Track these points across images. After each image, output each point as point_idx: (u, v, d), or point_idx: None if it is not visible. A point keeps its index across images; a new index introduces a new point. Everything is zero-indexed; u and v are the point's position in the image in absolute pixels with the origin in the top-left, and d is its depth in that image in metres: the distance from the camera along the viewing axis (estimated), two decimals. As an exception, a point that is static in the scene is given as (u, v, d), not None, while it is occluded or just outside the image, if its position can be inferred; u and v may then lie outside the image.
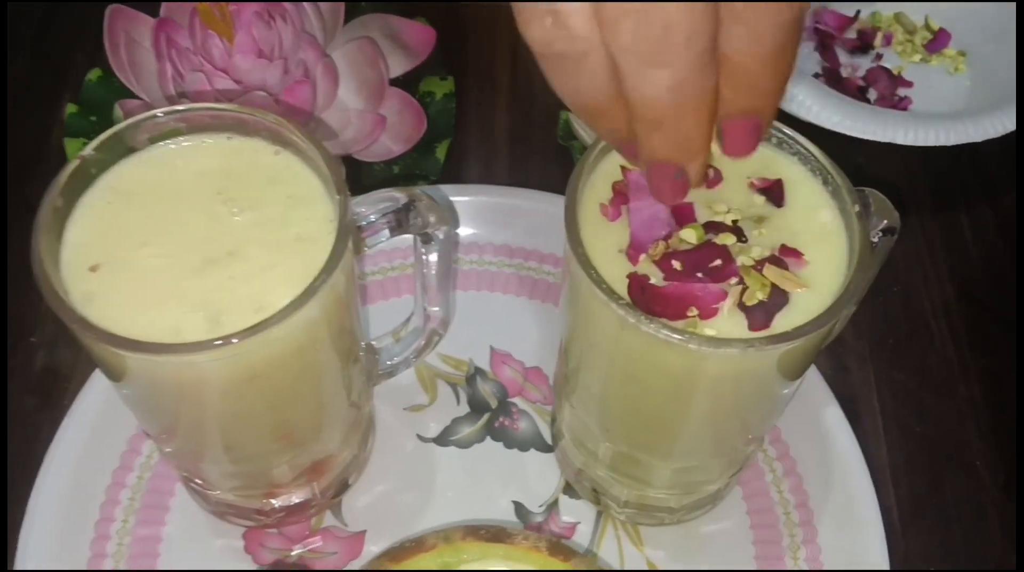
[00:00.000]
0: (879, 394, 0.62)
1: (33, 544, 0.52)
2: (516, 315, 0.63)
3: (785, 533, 0.55)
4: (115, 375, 0.41)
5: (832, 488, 0.56)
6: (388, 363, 0.53)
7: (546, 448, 0.58)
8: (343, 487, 0.54)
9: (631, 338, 0.40)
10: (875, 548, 0.53)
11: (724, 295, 0.40)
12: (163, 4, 0.66)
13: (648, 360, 0.40)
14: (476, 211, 0.64)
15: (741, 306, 0.40)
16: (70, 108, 0.70)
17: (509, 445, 0.58)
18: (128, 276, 0.40)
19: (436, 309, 0.52)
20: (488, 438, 0.58)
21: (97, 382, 0.57)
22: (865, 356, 0.64)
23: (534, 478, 0.57)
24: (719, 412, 0.43)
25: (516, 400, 0.60)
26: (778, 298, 0.40)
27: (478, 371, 0.60)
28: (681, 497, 0.52)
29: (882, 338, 0.65)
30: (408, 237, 0.47)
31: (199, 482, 0.50)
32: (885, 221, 0.43)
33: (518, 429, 0.59)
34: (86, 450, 0.55)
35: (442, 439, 0.58)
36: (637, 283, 0.40)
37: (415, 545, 0.44)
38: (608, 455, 0.50)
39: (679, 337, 0.37)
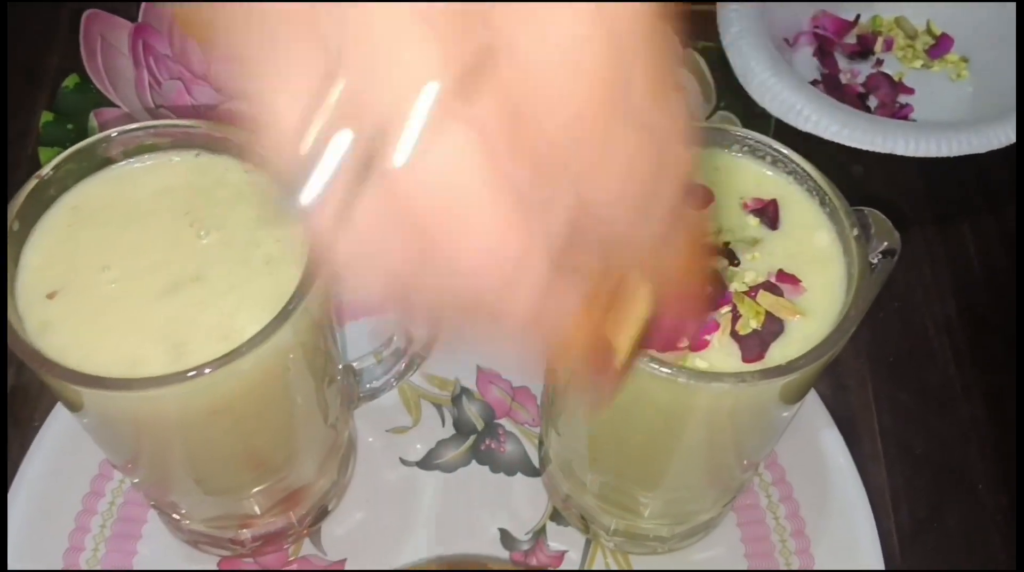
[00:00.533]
0: (878, 414, 0.60)
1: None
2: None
3: (781, 561, 0.53)
4: (73, 408, 0.39)
5: (829, 514, 0.54)
6: (368, 386, 0.51)
7: (533, 472, 0.56)
8: (322, 514, 0.52)
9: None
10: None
11: (716, 326, 0.38)
12: (141, 7, 0.64)
13: (636, 393, 0.38)
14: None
15: (734, 335, 0.38)
16: (45, 116, 0.68)
17: (495, 469, 0.56)
18: (87, 303, 0.38)
19: (420, 330, 0.50)
20: (474, 461, 0.56)
21: (56, 422, 0.55)
22: (864, 375, 0.62)
23: (521, 504, 0.55)
24: (711, 445, 0.41)
25: (503, 421, 0.57)
26: (773, 327, 0.38)
27: (464, 391, 0.58)
28: (673, 527, 0.50)
29: (881, 356, 0.63)
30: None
31: (170, 513, 0.48)
32: (885, 243, 0.41)
33: (504, 452, 0.56)
34: (55, 474, 0.53)
35: (426, 463, 0.56)
36: (624, 311, 0.38)
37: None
38: (596, 485, 0.48)
39: (668, 371, 0.35)
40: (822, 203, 0.41)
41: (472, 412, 0.58)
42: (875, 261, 0.44)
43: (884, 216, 0.42)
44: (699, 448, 0.42)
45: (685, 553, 0.53)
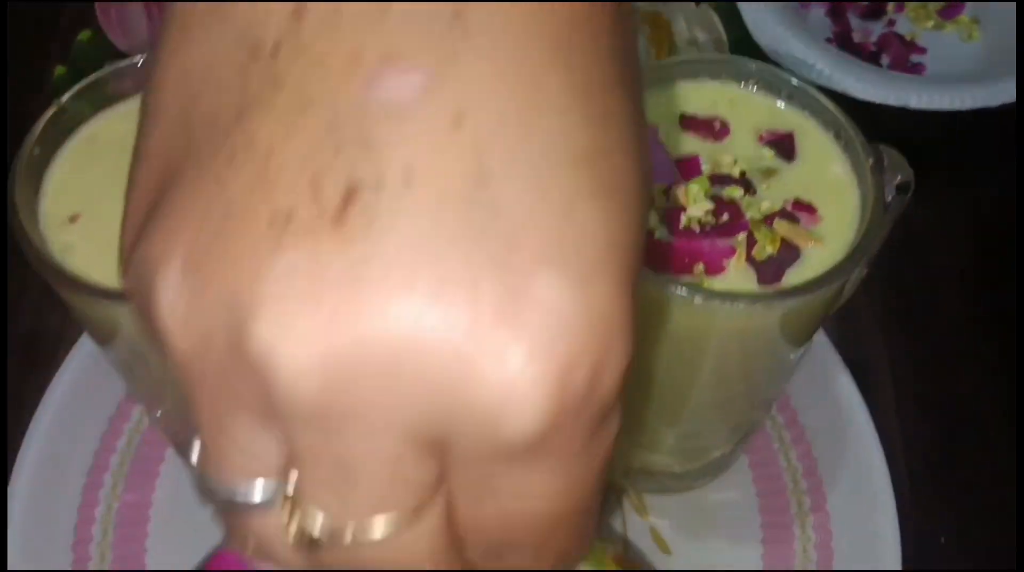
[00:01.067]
0: (892, 362, 0.61)
1: (19, 508, 0.50)
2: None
3: (793, 501, 0.54)
4: (98, 333, 0.39)
5: (842, 455, 0.54)
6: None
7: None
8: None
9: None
10: (885, 514, 0.52)
11: (732, 251, 0.38)
12: (154, -41, 0.64)
13: (651, 318, 0.39)
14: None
15: (750, 261, 0.38)
16: (59, 70, 0.68)
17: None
18: (108, 227, 0.38)
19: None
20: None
21: (86, 346, 0.55)
22: (878, 323, 0.62)
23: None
24: (725, 374, 0.42)
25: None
26: (789, 253, 0.38)
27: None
28: (685, 463, 0.50)
29: (896, 305, 0.63)
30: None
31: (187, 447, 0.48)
32: (899, 176, 0.42)
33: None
34: (74, 414, 0.54)
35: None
36: (641, 236, 0.38)
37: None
38: (610, 420, 0.48)
39: (685, 291, 0.36)
40: (837, 135, 0.41)
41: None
42: (889, 198, 0.44)
43: (897, 151, 0.42)
44: (712, 379, 0.42)
45: (699, 493, 0.54)
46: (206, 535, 0.38)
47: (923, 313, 0.63)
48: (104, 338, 0.40)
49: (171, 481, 0.53)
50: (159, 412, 0.46)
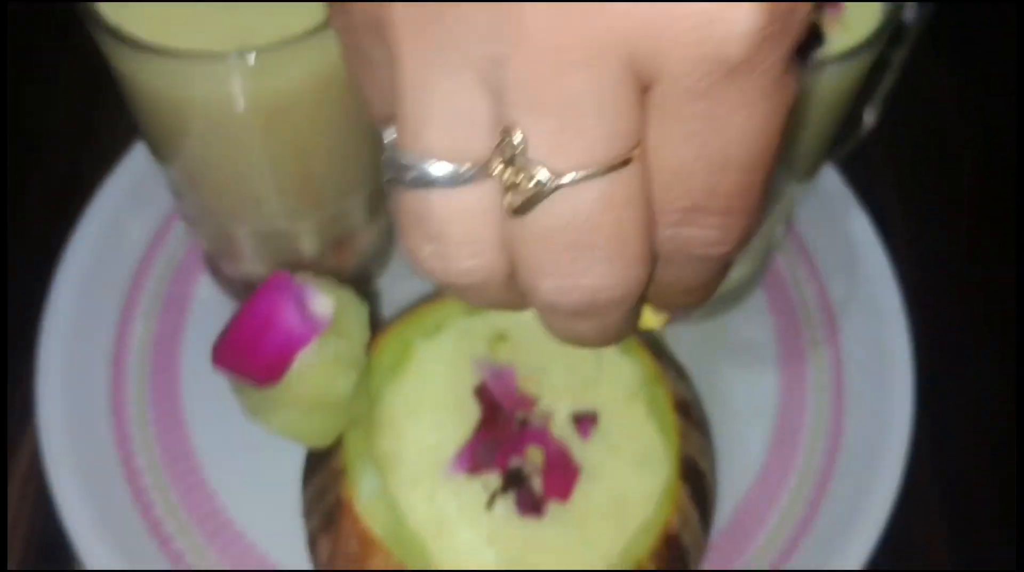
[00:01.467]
0: (905, 216, 0.62)
1: (54, 334, 0.52)
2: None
3: (807, 332, 0.55)
4: (147, 107, 0.41)
5: (856, 288, 0.56)
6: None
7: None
8: (367, 278, 0.54)
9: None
10: (898, 338, 0.53)
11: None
12: None
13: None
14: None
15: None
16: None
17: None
18: (159, 5, 0.40)
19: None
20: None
21: (121, 176, 0.57)
22: (891, 180, 0.63)
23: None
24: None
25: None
26: (814, 37, 0.40)
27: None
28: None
29: (909, 164, 0.64)
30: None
31: (227, 257, 0.50)
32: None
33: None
34: (108, 241, 0.55)
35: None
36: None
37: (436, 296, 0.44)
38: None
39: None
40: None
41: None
42: (910, 18, 0.46)
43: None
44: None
45: (716, 324, 0.55)
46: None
47: (934, 170, 0.64)
48: (150, 111, 0.41)
49: (204, 308, 0.55)
50: (200, 209, 0.47)
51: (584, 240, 0.23)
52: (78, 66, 0.66)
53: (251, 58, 0.37)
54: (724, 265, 0.26)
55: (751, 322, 0.56)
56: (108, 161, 0.60)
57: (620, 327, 0.27)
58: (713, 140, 0.22)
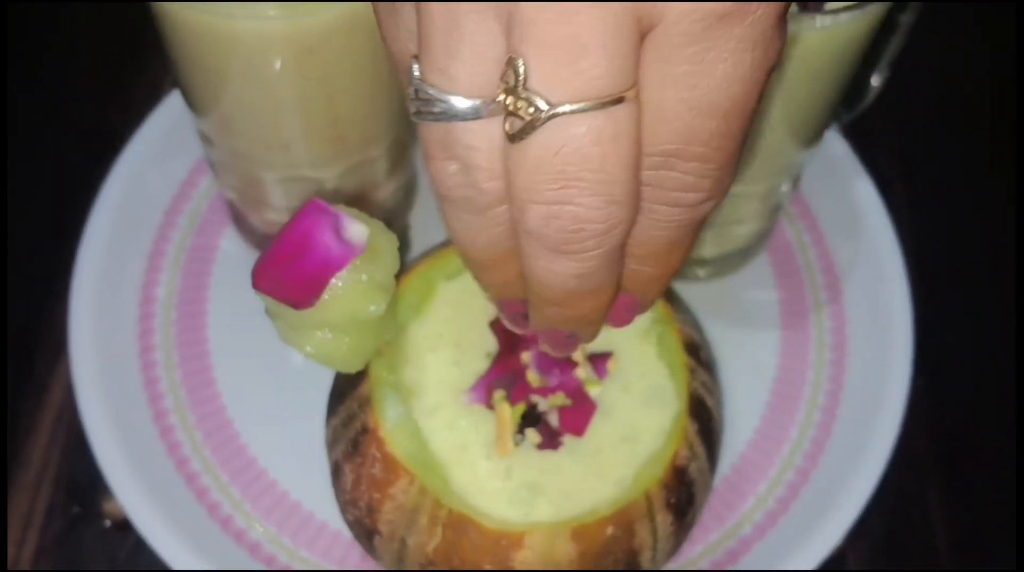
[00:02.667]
0: (907, 181, 0.64)
1: (84, 283, 0.54)
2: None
3: (810, 293, 0.57)
4: (185, 46, 0.42)
5: (859, 251, 0.58)
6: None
7: (581, 214, 0.60)
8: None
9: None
10: (899, 303, 0.55)
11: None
12: None
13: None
14: None
15: (790, -7, 0.41)
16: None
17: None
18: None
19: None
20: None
21: (148, 130, 0.59)
22: (894, 145, 0.65)
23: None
24: (764, 110, 0.45)
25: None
26: (825, -11, 0.41)
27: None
28: (714, 240, 0.54)
29: (912, 129, 0.66)
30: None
31: (253, 207, 0.52)
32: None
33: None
34: (135, 193, 0.57)
35: (481, 202, 0.60)
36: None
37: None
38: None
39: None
40: None
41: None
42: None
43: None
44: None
45: (720, 284, 0.57)
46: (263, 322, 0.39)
47: (937, 135, 0.66)
48: (186, 53, 0.43)
49: (228, 259, 0.56)
50: (229, 152, 0.49)
51: (572, 170, 0.25)
52: (106, 21, 0.68)
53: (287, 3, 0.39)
54: (697, 223, 0.28)
55: (757, 284, 0.58)
56: (136, 114, 0.62)
57: (594, 307, 0.29)
58: (699, 84, 0.24)
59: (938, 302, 0.59)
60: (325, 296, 0.34)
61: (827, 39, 0.41)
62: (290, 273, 0.34)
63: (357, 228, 0.35)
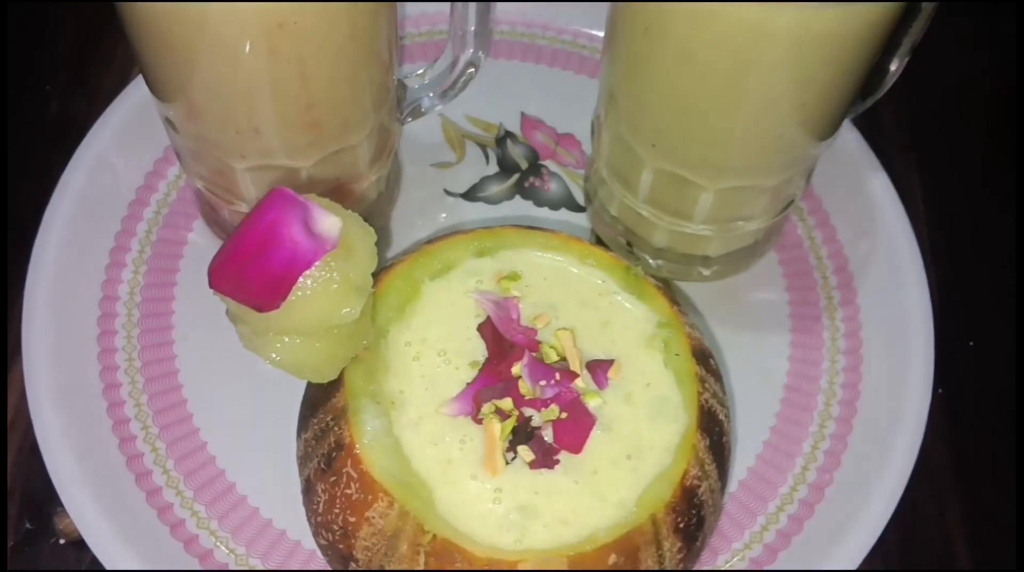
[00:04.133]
0: (922, 180, 0.60)
1: (41, 278, 0.50)
2: (548, 84, 0.60)
3: (823, 296, 0.53)
4: (153, 25, 0.38)
5: (873, 251, 0.54)
6: (418, 93, 0.51)
7: (577, 208, 0.56)
8: (367, 230, 0.52)
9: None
10: (917, 306, 0.51)
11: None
12: None
13: (709, 27, 0.38)
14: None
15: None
16: None
17: (539, 204, 0.56)
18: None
19: (471, 38, 0.49)
20: (517, 196, 0.56)
21: (112, 117, 0.55)
22: (906, 147, 0.62)
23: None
24: (773, 98, 0.41)
25: (547, 163, 0.57)
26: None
27: (508, 134, 0.58)
28: (719, 237, 0.50)
29: (923, 131, 0.63)
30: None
31: (223, 198, 0.48)
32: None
33: (548, 190, 0.56)
34: (96, 184, 0.53)
35: (470, 195, 0.56)
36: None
37: (454, 232, 0.42)
38: (648, 184, 0.47)
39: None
40: None
41: (516, 153, 0.57)
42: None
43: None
44: (758, 108, 0.41)
45: (727, 285, 0.54)
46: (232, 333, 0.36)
47: (948, 136, 0.63)
48: (153, 29, 0.39)
49: (198, 254, 0.52)
50: (198, 139, 0.45)
51: None
52: (70, 9, 0.64)
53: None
54: None
55: (765, 284, 0.54)
56: (102, 105, 0.58)
57: None
58: None
59: (959, 304, 0.56)
60: (292, 297, 0.30)
61: (848, 19, 0.37)
62: (253, 271, 0.30)
63: (329, 221, 0.31)
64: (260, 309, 0.30)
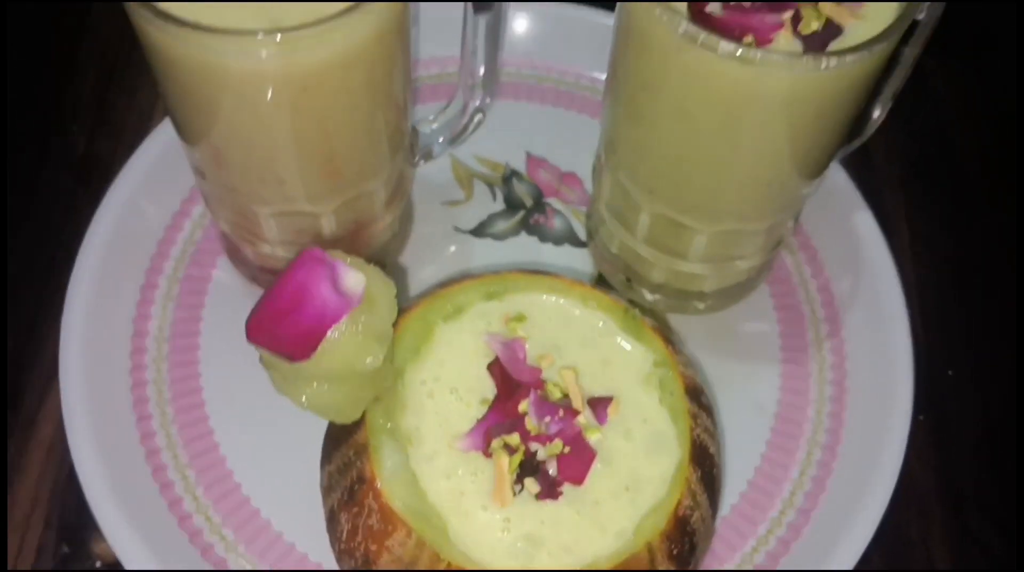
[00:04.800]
0: (909, 216, 0.63)
1: (75, 316, 0.52)
2: (552, 125, 0.63)
3: (811, 328, 0.56)
4: (179, 82, 0.42)
5: (859, 288, 0.57)
6: (430, 138, 0.54)
7: (579, 244, 0.59)
8: (381, 266, 0.55)
9: (687, 61, 0.40)
10: (900, 339, 0.54)
11: (780, 24, 0.41)
12: None
13: (701, 87, 0.41)
14: (519, 24, 0.65)
15: (796, 35, 0.40)
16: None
17: (544, 239, 0.59)
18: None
19: (479, 87, 0.52)
20: (523, 233, 0.59)
21: (140, 160, 0.58)
22: (897, 182, 0.65)
23: (567, 269, 0.58)
24: (763, 155, 0.44)
25: (551, 200, 0.60)
26: (832, 30, 0.41)
27: (514, 173, 0.61)
28: (714, 275, 0.53)
29: (914, 167, 0.66)
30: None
31: (247, 240, 0.51)
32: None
33: (552, 226, 0.60)
34: (127, 224, 0.56)
35: (479, 231, 0.59)
36: (698, 8, 0.41)
37: (464, 276, 0.45)
38: (647, 226, 0.51)
39: (739, 49, 0.38)
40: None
41: (521, 191, 0.61)
42: (922, 16, 0.47)
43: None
44: (751, 156, 0.44)
45: (720, 318, 0.57)
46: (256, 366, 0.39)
47: (938, 172, 0.66)
48: (184, 86, 0.42)
49: (223, 290, 0.55)
50: (224, 186, 0.48)
51: None
52: (94, 49, 0.67)
53: (279, 36, 0.38)
54: None
55: (756, 316, 0.57)
56: (126, 141, 0.61)
57: None
58: None
59: (940, 335, 0.59)
60: (321, 349, 0.34)
61: (834, 80, 0.41)
62: (286, 326, 0.33)
63: (354, 278, 0.34)
64: (292, 359, 0.34)
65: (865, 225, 0.58)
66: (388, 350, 0.35)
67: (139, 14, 0.39)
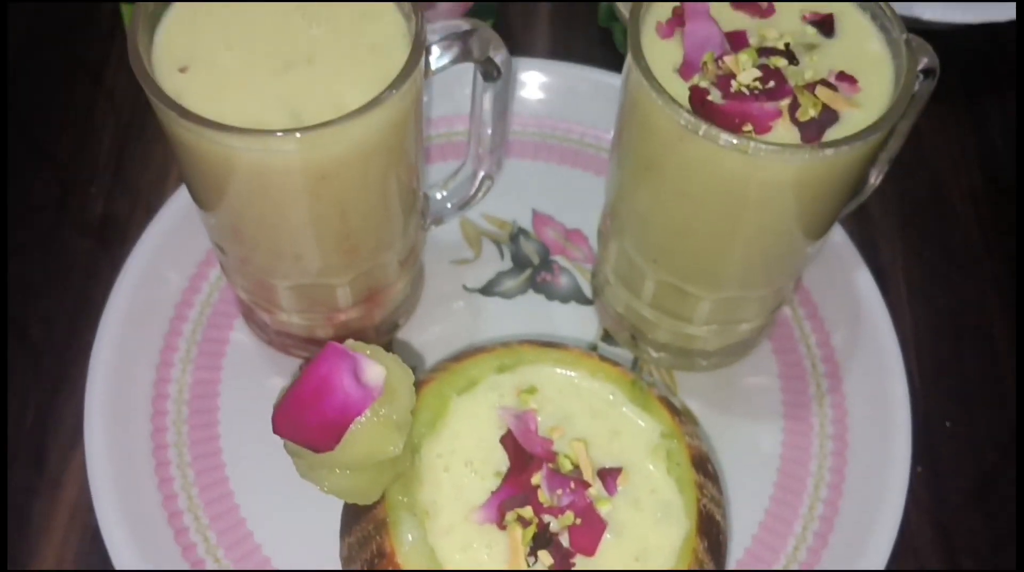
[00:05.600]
0: (906, 267, 0.65)
1: (97, 379, 0.54)
2: (558, 182, 0.65)
3: (812, 383, 0.58)
4: (198, 170, 0.43)
5: (858, 344, 0.59)
6: (440, 203, 0.56)
7: (586, 301, 0.61)
8: (393, 328, 0.57)
9: (688, 149, 0.42)
10: (898, 396, 0.56)
11: (779, 113, 0.42)
12: None
13: (703, 172, 0.43)
14: (524, 83, 0.67)
15: (794, 122, 0.42)
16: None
17: (551, 297, 0.61)
18: (215, 76, 0.42)
19: (488, 152, 0.54)
20: (530, 291, 0.61)
21: (159, 225, 0.59)
22: (893, 233, 0.66)
23: (574, 327, 0.60)
24: (765, 231, 0.46)
25: (557, 258, 0.62)
26: (829, 116, 0.42)
27: (521, 231, 0.63)
28: (717, 336, 0.54)
29: (910, 218, 0.67)
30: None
31: (263, 307, 0.52)
32: (925, 59, 0.46)
33: (559, 284, 0.61)
34: (151, 286, 0.58)
35: (487, 290, 0.61)
36: (698, 97, 0.42)
37: (476, 350, 0.47)
38: (651, 292, 0.52)
39: (739, 141, 0.40)
40: (873, 17, 0.45)
41: (529, 249, 0.62)
42: (917, 86, 0.49)
43: (923, 39, 0.47)
44: (752, 235, 0.46)
45: (724, 373, 0.58)
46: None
47: (934, 223, 0.67)
48: (203, 176, 0.43)
49: (241, 352, 0.57)
50: (242, 262, 0.49)
51: None
52: (111, 109, 0.69)
53: (298, 134, 0.40)
54: None
55: (759, 371, 0.59)
56: (143, 202, 0.63)
57: None
58: None
59: (938, 386, 0.60)
60: (345, 440, 0.35)
61: (833, 165, 0.42)
62: (310, 418, 0.35)
63: (375, 370, 0.36)
64: (317, 450, 0.35)
65: (863, 283, 0.60)
66: (408, 435, 0.37)
67: (159, 108, 0.41)
